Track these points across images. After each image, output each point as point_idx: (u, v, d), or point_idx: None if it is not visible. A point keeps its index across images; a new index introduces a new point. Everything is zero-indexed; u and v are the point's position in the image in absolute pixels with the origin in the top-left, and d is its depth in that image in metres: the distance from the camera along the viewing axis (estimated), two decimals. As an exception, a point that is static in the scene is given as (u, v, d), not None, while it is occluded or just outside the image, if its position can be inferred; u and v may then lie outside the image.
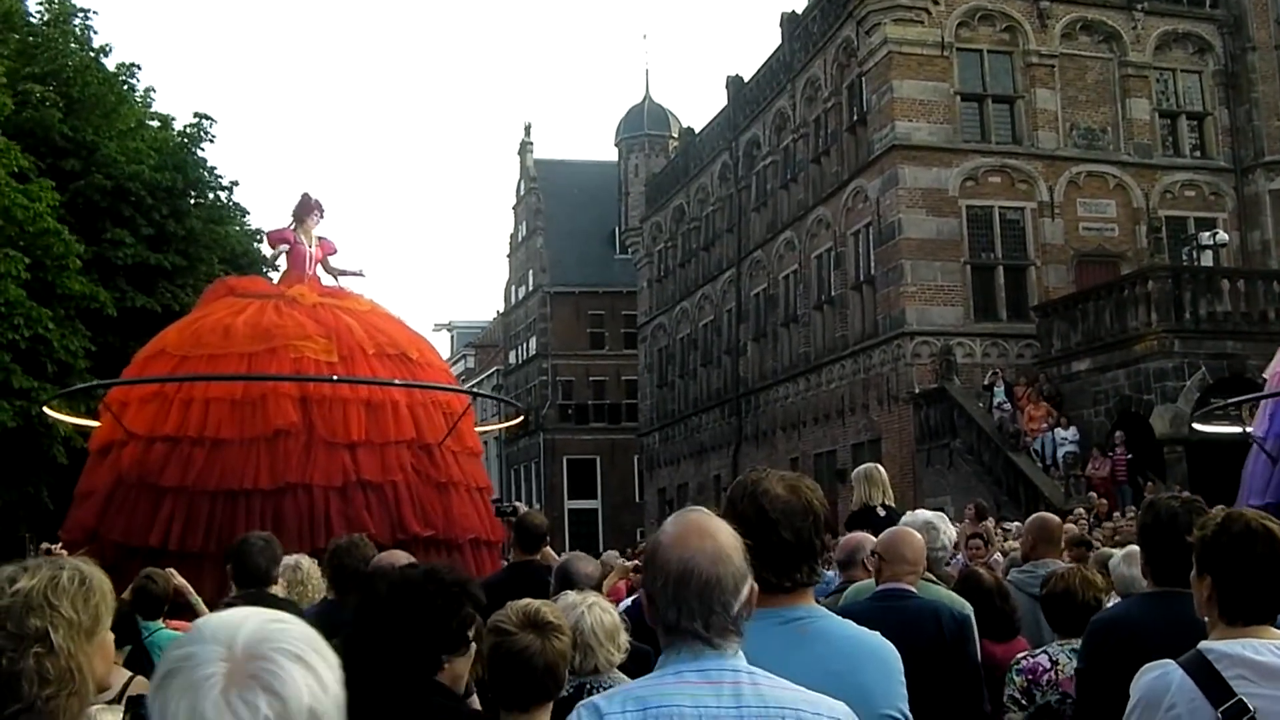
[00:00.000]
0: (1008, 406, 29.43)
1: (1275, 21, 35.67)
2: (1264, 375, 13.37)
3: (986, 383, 30.70)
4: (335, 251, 14.97)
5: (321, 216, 14.83)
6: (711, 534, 2.75)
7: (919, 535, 6.26)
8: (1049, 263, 33.74)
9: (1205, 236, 32.34)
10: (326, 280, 14.82)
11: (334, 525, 11.66)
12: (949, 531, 6.09)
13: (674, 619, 2.70)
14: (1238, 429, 13.27)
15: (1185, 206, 35.28)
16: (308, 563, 7.78)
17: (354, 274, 15.39)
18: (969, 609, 6.14)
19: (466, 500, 13.49)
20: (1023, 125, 34.56)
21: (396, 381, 13.31)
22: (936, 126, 33.78)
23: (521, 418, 26.62)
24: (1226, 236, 33.15)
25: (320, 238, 14.81)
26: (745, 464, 41.32)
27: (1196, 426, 17.66)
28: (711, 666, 2.68)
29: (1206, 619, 3.55)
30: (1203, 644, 3.43)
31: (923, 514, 6.17)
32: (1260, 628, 3.44)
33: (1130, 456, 26.73)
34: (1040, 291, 33.23)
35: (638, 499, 58.52)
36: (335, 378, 12.63)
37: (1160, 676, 3.43)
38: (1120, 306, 28.75)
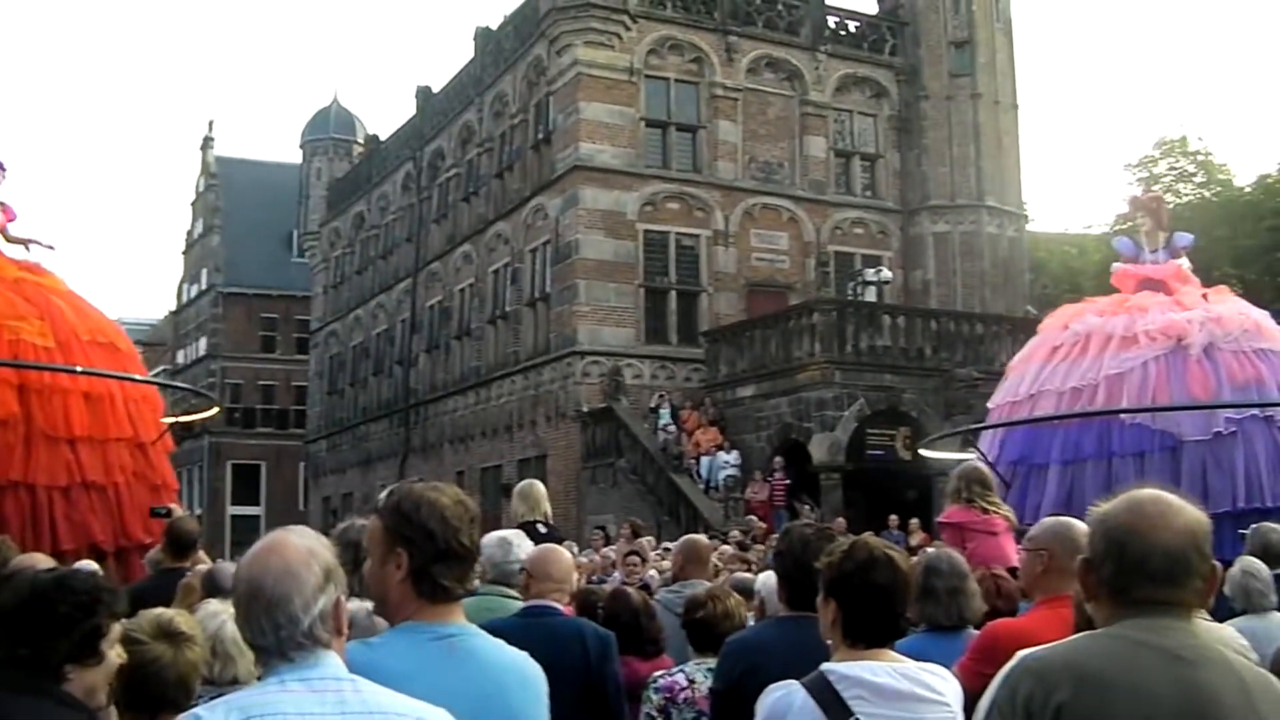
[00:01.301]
0: (672, 429, 29.83)
1: (948, 73, 37.23)
2: (989, 405, 14.35)
3: (653, 404, 31.05)
4: (15, 219, 12.92)
5: (4, 174, 12.81)
6: (280, 550, 2.77)
7: (567, 553, 6.25)
8: (720, 290, 34.40)
9: (870, 273, 33.57)
10: (10, 250, 12.80)
11: (59, 530, 10.83)
12: (524, 546, 6.11)
13: (248, 636, 2.77)
14: (969, 455, 14.30)
15: (854, 243, 36.49)
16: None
17: (45, 246, 13.25)
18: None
19: (176, 504, 12.42)
20: (703, 155, 35.18)
21: (130, 376, 12.26)
22: (619, 150, 34.05)
23: (215, 409, 25.75)
24: (890, 274, 34.43)
25: (1, 202, 12.83)
26: (412, 475, 40.93)
27: (923, 452, 18.56)
28: (314, 675, 2.70)
29: (830, 642, 3.68)
30: (825, 665, 3.56)
31: (499, 532, 6.17)
32: (879, 651, 3.59)
33: (789, 482, 27.37)
34: (711, 317, 33.86)
35: (302, 507, 57.57)
36: (80, 369, 11.29)
37: (783, 696, 3.55)
38: (786, 336, 29.48)
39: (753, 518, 25.39)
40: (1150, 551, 2.76)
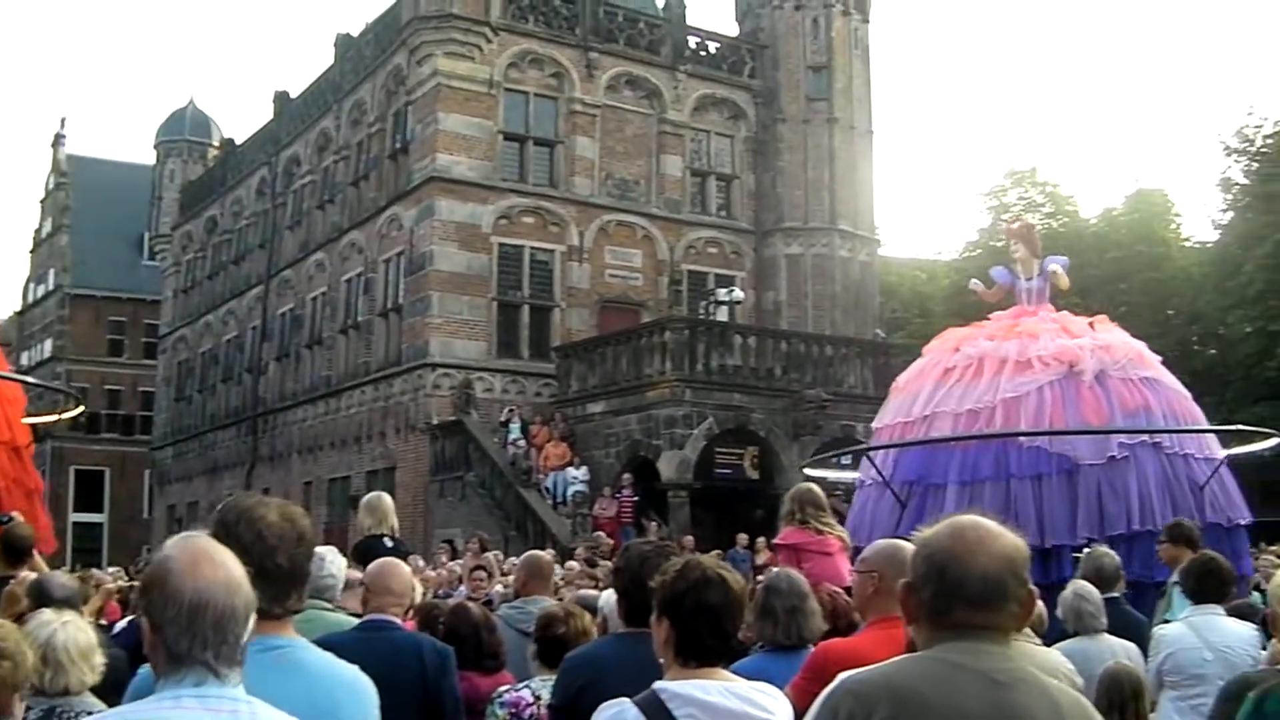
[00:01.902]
0: (522, 443, 29.77)
1: (806, 97, 37.66)
2: (874, 425, 14.44)
3: (503, 418, 30.96)
4: None
5: None
6: (223, 563, 2.73)
7: (406, 568, 6.25)
8: (573, 305, 34.45)
9: (723, 293, 33.82)
10: None
11: None
12: (337, 561, 6.09)
13: (185, 648, 2.65)
14: (850, 475, 14.62)
15: (707, 262, 36.78)
16: None
17: None
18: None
19: (42, 511, 11.82)
20: (560, 170, 35.21)
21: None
22: (477, 163, 33.95)
23: (80, 408, 25.11)
24: (743, 294, 34.72)
25: None
26: (259, 485, 40.56)
27: (807, 471, 18.74)
28: (212, 694, 2.65)
29: (663, 660, 3.72)
30: (657, 684, 3.61)
31: (318, 548, 6.13)
32: (712, 669, 3.64)
33: (637, 499, 27.45)
34: (563, 333, 33.88)
35: (147, 515, 56.56)
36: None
37: (616, 714, 3.61)
38: (637, 353, 29.58)
39: (600, 534, 25.42)
40: (968, 576, 2.80)
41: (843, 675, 2.86)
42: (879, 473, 12.59)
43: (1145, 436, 12.39)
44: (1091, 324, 13.68)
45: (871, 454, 13.18)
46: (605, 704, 3.69)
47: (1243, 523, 12.53)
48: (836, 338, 33.42)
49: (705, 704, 3.51)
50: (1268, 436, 13.62)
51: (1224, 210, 40.51)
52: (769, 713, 3.58)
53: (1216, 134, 65.18)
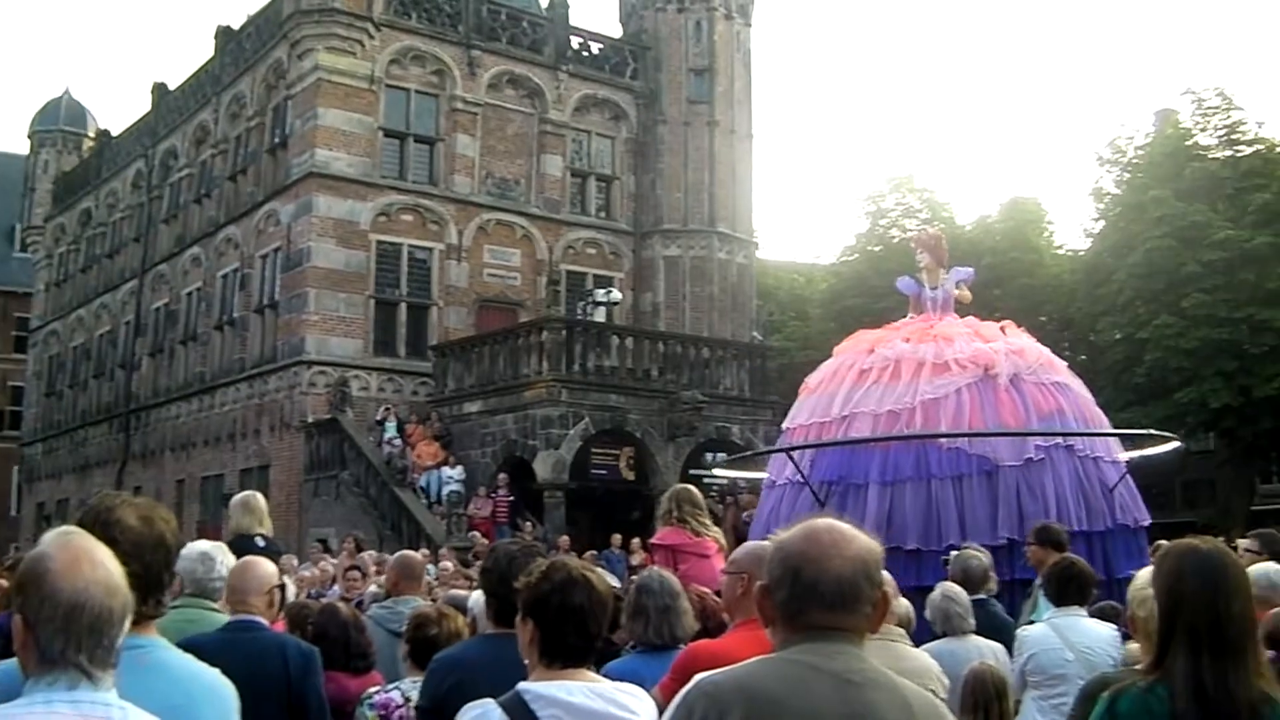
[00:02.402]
0: (398, 442, 29.62)
1: (687, 100, 37.83)
2: (786, 425, 14.39)
3: (379, 417, 30.78)
4: None
5: None
6: (103, 563, 2.68)
7: (271, 566, 6.12)
8: (451, 304, 34.30)
9: (601, 293, 33.88)
10: None
11: None
12: (228, 560, 6.01)
13: (59, 650, 2.60)
14: (761, 474, 14.73)
15: (586, 263, 36.83)
16: None
17: None
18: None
19: None
20: (440, 168, 35.06)
21: None
22: (356, 159, 33.70)
23: None
24: (620, 295, 34.82)
25: None
26: (130, 483, 39.98)
27: (718, 471, 18.83)
28: (85, 699, 2.60)
29: (528, 661, 3.73)
30: (521, 685, 3.61)
31: (201, 544, 6.03)
32: (576, 670, 3.66)
33: (512, 499, 27.47)
34: (440, 332, 33.72)
35: (15, 512, 55.53)
36: None
37: (480, 715, 3.60)
38: (515, 353, 29.54)
39: (475, 534, 25.43)
40: (823, 578, 2.84)
41: (699, 676, 2.89)
42: (800, 472, 12.62)
43: (1060, 439, 12.61)
44: (1003, 329, 13.88)
45: (791, 454, 13.20)
46: (469, 705, 3.69)
47: (1146, 524, 12.81)
48: (713, 340, 33.62)
49: (569, 705, 3.52)
50: (1168, 440, 14.08)
51: (1095, 219, 41.47)
52: (632, 713, 3.61)
53: (1090, 145, 66.48)
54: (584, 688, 3.58)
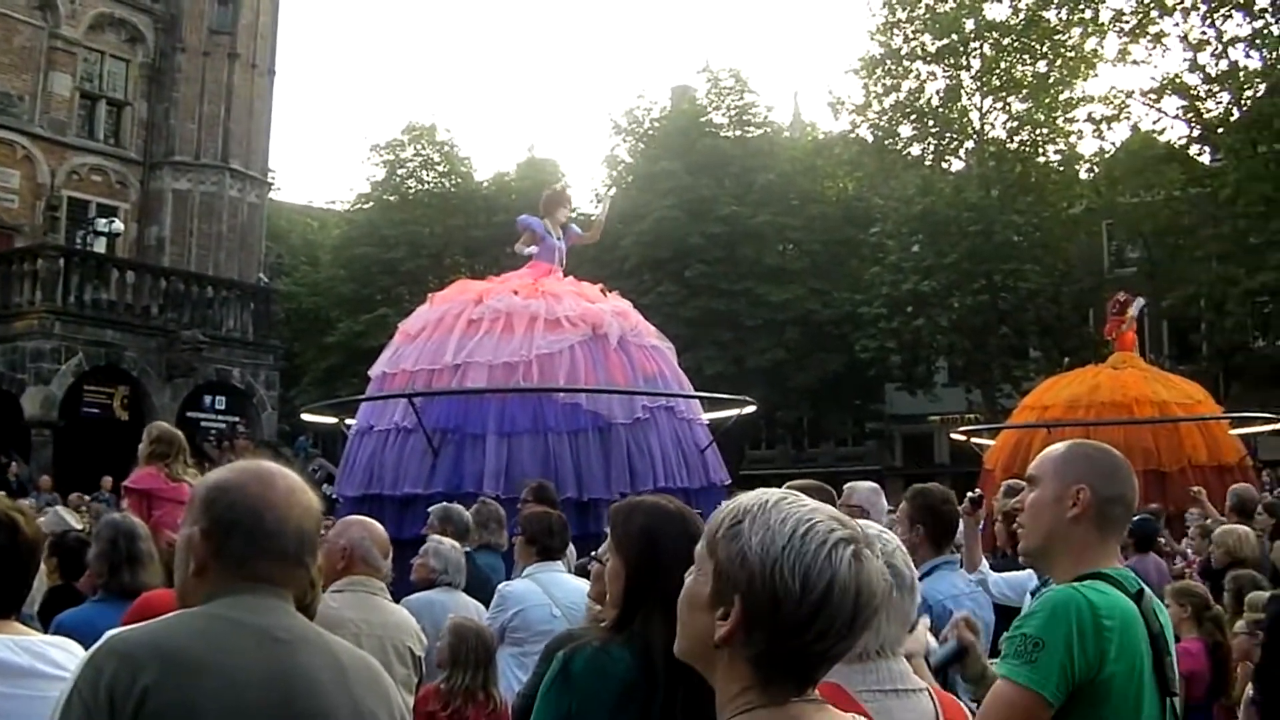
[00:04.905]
0: None
1: (208, 29, 36.75)
2: (385, 370, 14.12)
3: None
4: None
5: None
6: None
7: None
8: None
9: (102, 223, 32.72)
10: None
11: None
12: None
13: None
14: (350, 421, 14.52)
15: (91, 190, 35.32)
16: None
17: None
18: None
19: None
20: (-69, 79, 32.88)
21: None
22: None
23: None
24: (123, 226, 33.69)
25: None
26: None
27: (305, 416, 18.26)
28: None
29: None
30: None
31: None
32: (4, 622, 3.37)
33: (-4, 436, 26.32)
34: None
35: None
36: None
37: None
38: (6, 281, 28.31)
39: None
40: (285, 528, 2.70)
41: (110, 633, 2.57)
42: (418, 417, 12.53)
43: (663, 400, 13.32)
44: (604, 291, 14.43)
45: (401, 400, 13.06)
46: None
47: (728, 483, 13.60)
48: (219, 279, 33.11)
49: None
50: (745, 404, 15.18)
51: (608, 186, 42.89)
52: (61, 668, 3.21)
53: (608, 113, 68.65)
54: (8, 640, 3.27)
